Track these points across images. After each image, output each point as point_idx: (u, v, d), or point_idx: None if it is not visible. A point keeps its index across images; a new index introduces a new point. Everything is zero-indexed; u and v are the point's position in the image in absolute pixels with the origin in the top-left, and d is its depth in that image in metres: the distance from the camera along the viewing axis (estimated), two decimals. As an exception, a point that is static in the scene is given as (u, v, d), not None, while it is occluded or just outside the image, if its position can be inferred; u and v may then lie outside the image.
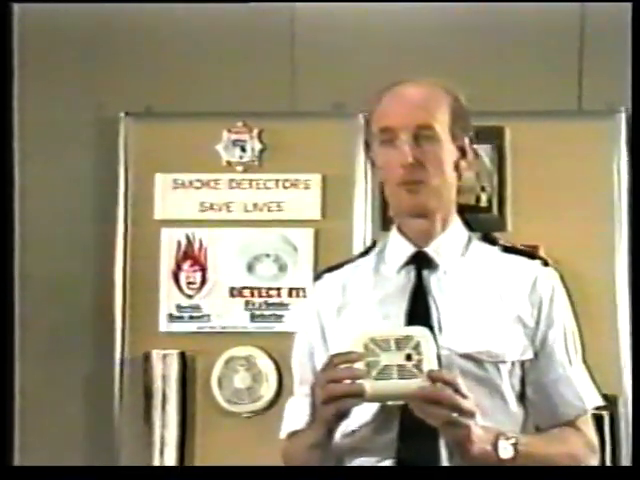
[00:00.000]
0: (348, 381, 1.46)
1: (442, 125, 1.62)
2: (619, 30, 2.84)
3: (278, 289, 3.04)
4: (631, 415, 2.79)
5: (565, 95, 2.96)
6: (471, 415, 1.47)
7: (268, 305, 3.03)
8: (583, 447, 1.65)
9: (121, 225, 3.04)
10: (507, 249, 1.71)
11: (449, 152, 1.64)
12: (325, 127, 3.00)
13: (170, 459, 2.97)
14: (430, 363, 1.45)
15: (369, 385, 1.44)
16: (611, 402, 2.71)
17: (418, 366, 1.44)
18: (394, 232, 1.71)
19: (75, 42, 3.06)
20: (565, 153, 2.94)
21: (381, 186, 1.73)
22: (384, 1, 3.01)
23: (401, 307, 1.62)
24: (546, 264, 1.70)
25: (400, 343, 1.45)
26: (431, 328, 1.55)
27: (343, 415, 1.50)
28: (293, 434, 1.69)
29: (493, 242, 1.72)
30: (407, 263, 1.67)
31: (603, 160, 2.94)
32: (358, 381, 1.45)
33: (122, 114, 3.05)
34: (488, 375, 1.60)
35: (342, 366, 1.47)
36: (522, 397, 1.65)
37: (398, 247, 1.69)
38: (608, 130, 2.93)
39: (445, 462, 1.54)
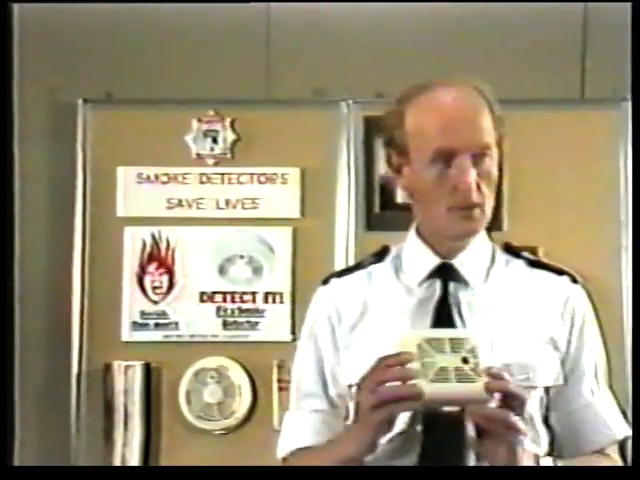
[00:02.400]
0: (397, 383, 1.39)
1: (493, 140, 1.58)
2: (623, 15, 2.69)
3: (253, 294, 2.94)
4: (631, 415, 2.64)
5: (567, 82, 2.89)
6: (523, 432, 1.41)
7: (242, 311, 2.94)
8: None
9: (79, 223, 2.93)
10: (532, 263, 1.68)
11: (495, 165, 1.60)
12: (304, 116, 2.90)
13: None
14: (487, 365, 1.39)
15: (427, 388, 1.37)
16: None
17: (475, 370, 1.37)
18: (413, 238, 1.66)
19: (29, 18, 2.93)
20: (566, 144, 2.87)
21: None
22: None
23: (424, 321, 1.57)
24: (575, 281, 1.67)
25: (455, 345, 1.39)
26: None
27: (393, 421, 1.41)
28: (302, 451, 1.63)
29: (517, 254, 1.69)
30: (431, 275, 1.62)
31: (608, 152, 2.85)
32: (411, 382, 1.37)
33: (80, 101, 2.93)
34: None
35: (395, 367, 1.39)
36: (547, 423, 1.60)
37: (420, 256, 1.64)
38: (613, 119, 2.84)
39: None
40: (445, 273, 1.61)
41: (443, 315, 1.57)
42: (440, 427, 1.47)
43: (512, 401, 1.38)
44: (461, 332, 1.45)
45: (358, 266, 1.71)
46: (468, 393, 1.37)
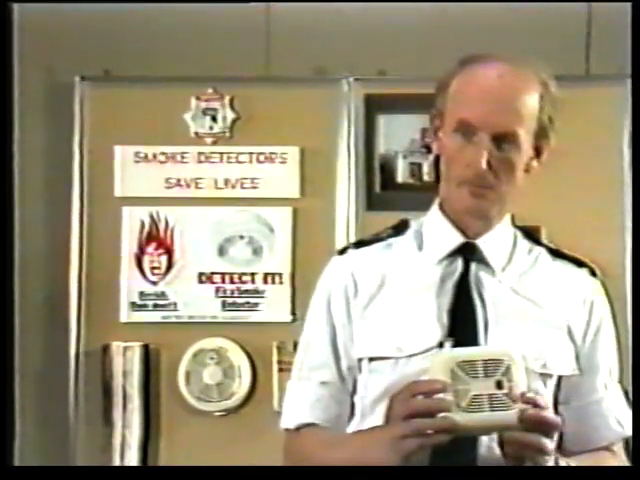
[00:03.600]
0: None
1: (527, 128, 1.53)
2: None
3: (252, 274, 2.92)
4: (631, 414, 2.63)
5: (572, 59, 2.86)
6: (550, 454, 1.40)
7: (241, 292, 2.91)
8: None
9: (77, 203, 2.91)
10: (553, 252, 1.66)
11: (526, 155, 1.56)
12: (304, 94, 2.88)
13: (132, 463, 2.85)
14: (521, 389, 1.36)
15: (460, 418, 1.34)
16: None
17: (509, 395, 1.34)
18: (436, 213, 1.63)
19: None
20: (570, 122, 2.72)
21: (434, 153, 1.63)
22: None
23: (443, 300, 1.55)
24: (593, 273, 1.66)
25: (488, 368, 1.35)
26: (475, 327, 1.51)
27: (424, 451, 1.39)
28: (309, 428, 1.60)
29: (538, 242, 1.67)
30: (453, 253, 1.59)
31: (612, 129, 2.83)
32: (444, 414, 1.34)
33: (77, 78, 2.90)
34: (534, 386, 1.49)
35: (427, 397, 1.35)
36: (555, 411, 1.56)
37: (442, 233, 1.61)
38: (618, 96, 2.80)
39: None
40: (468, 252, 1.58)
41: (463, 295, 1.55)
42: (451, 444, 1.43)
43: (546, 427, 1.36)
44: (495, 351, 1.39)
45: (377, 239, 1.67)
46: (502, 421, 1.35)
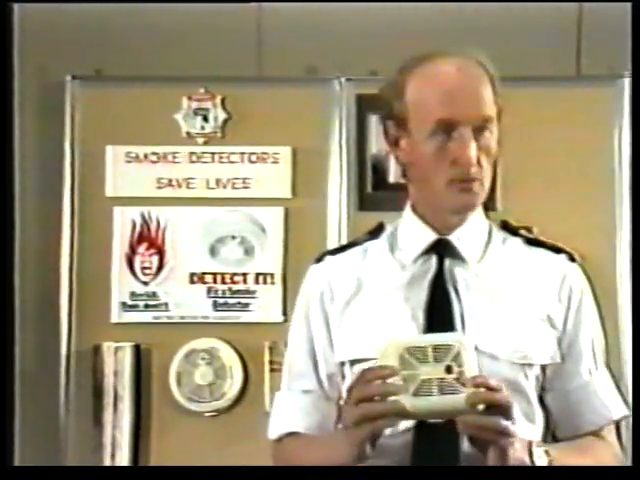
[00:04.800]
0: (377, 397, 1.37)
1: (493, 113, 1.55)
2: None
3: (244, 275, 2.91)
4: (631, 414, 2.63)
5: (563, 59, 2.86)
6: (515, 435, 1.40)
7: (233, 292, 2.91)
8: (611, 458, 1.59)
9: (67, 203, 2.90)
10: (530, 241, 1.66)
11: (495, 139, 1.58)
12: (296, 94, 2.87)
13: (123, 464, 2.84)
14: (472, 374, 1.36)
15: (409, 402, 1.35)
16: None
17: (459, 379, 1.35)
18: (409, 214, 1.64)
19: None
20: (562, 123, 2.85)
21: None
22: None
23: (419, 297, 1.56)
24: (572, 259, 1.65)
25: (438, 353, 1.36)
26: (452, 322, 1.52)
27: (377, 436, 1.39)
28: (291, 436, 1.62)
29: (514, 232, 1.67)
30: (427, 251, 1.60)
31: (604, 130, 2.84)
32: (393, 398, 1.35)
33: (68, 78, 2.89)
34: (514, 377, 1.52)
35: (376, 382, 1.37)
36: (542, 403, 1.59)
37: (415, 232, 1.62)
38: (610, 96, 2.82)
39: (463, 463, 1.47)
40: (441, 249, 1.59)
41: (438, 291, 1.55)
42: (432, 429, 1.45)
43: (499, 409, 1.36)
44: (444, 337, 1.40)
45: (353, 244, 1.69)
46: (452, 405, 1.35)
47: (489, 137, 1.53)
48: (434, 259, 1.59)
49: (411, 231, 1.62)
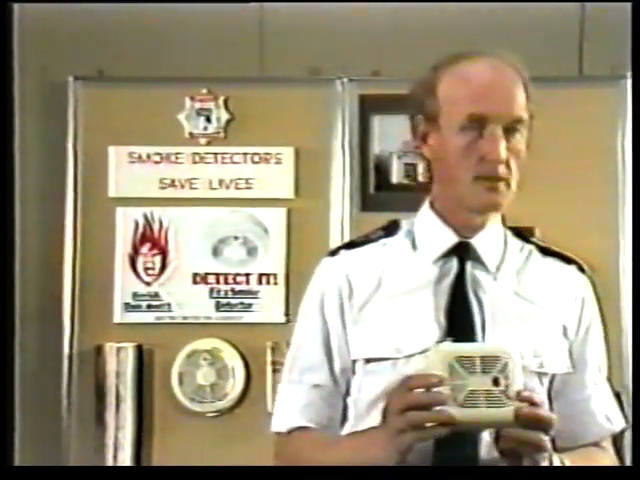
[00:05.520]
0: None
1: (526, 115, 1.55)
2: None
3: (247, 275, 2.91)
4: (631, 414, 2.63)
5: (565, 59, 2.86)
6: (547, 451, 1.40)
7: (235, 293, 2.91)
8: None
9: (70, 204, 2.91)
10: (542, 249, 1.66)
11: (525, 142, 1.57)
12: (299, 94, 2.88)
13: (125, 464, 2.84)
14: (517, 388, 1.36)
15: (456, 412, 1.34)
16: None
17: (506, 392, 1.35)
18: (428, 212, 1.63)
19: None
20: (564, 123, 2.83)
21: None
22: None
23: (440, 300, 1.55)
24: (582, 269, 1.66)
25: (486, 364, 1.36)
26: (473, 327, 1.52)
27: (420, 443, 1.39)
28: (300, 431, 1.60)
29: (527, 239, 1.67)
30: (448, 253, 1.59)
31: (606, 131, 2.83)
32: (440, 407, 1.34)
33: (71, 78, 2.90)
34: (531, 385, 1.49)
35: (421, 390, 1.36)
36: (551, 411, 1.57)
37: (436, 232, 1.61)
38: (611, 97, 2.82)
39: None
40: (463, 252, 1.58)
41: (460, 295, 1.54)
42: (453, 437, 1.41)
43: (542, 425, 1.36)
44: (492, 349, 1.39)
45: (367, 239, 1.66)
46: (498, 418, 1.35)
47: (519, 140, 1.52)
48: (455, 261, 1.57)
49: (430, 231, 1.61)
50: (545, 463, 1.40)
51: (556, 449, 1.53)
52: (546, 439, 1.36)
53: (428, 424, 1.34)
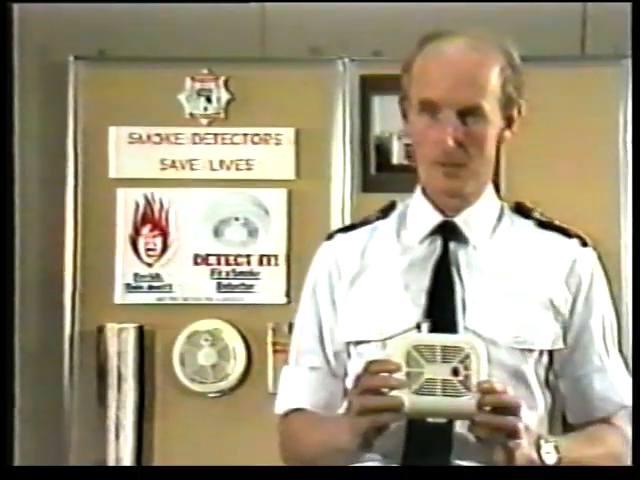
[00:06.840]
0: (386, 390, 1.36)
1: (492, 100, 1.51)
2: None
3: (248, 256, 2.91)
4: (631, 414, 2.63)
5: (567, 39, 2.84)
6: (521, 435, 1.38)
7: (236, 274, 2.90)
8: (622, 445, 1.56)
9: (71, 185, 2.89)
10: (542, 224, 1.63)
11: (495, 126, 1.54)
12: (299, 75, 2.86)
13: (126, 444, 2.85)
14: (478, 379, 1.35)
15: (408, 399, 1.34)
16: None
17: (465, 382, 1.34)
18: (418, 195, 1.62)
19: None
20: (566, 103, 2.83)
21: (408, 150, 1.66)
22: None
23: (422, 280, 1.54)
24: (585, 244, 1.62)
25: (447, 354, 1.35)
26: (453, 306, 1.50)
27: (380, 429, 1.38)
28: (297, 412, 1.61)
29: (527, 214, 1.63)
30: (432, 232, 1.58)
31: (608, 110, 2.81)
32: (395, 393, 1.34)
33: (71, 58, 2.87)
34: (513, 362, 1.51)
35: (381, 375, 1.36)
36: (547, 385, 1.58)
37: (423, 213, 1.60)
38: (613, 76, 2.79)
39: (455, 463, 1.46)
40: (446, 231, 1.57)
41: (441, 275, 1.53)
42: (426, 430, 1.43)
43: (508, 410, 1.35)
44: (455, 339, 1.39)
45: (364, 222, 1.67)
46: (454, 407, 1.34)
47: (479, 124, 1.49)
48: (439, 241, 1.57)
49: (419, 212, 1.60)
50: (531, 450, 1.40)
51: (568, 426, 1.56)
52: (520, 425, 1.35)
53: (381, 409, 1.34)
